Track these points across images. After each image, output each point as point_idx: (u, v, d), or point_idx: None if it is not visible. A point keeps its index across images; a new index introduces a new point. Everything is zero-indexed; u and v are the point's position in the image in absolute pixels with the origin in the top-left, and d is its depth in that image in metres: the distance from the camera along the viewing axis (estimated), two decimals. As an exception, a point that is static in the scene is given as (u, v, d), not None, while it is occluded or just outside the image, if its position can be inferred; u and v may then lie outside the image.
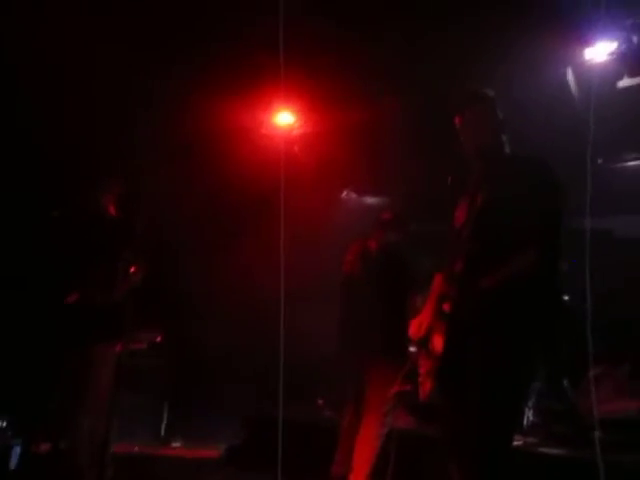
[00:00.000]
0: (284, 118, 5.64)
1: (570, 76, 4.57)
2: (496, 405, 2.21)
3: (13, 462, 3.98)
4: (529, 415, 4.10)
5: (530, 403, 4.11)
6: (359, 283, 3.72)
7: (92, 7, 4.15)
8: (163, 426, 5.28)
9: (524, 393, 2.63)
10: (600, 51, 4.46)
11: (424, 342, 2.41)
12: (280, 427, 3.05)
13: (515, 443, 3.75)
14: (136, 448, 4.88)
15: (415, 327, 2.47)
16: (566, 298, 4.47)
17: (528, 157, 2.51)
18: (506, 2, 4.10)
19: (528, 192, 2.30)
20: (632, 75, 4.42)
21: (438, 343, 2.30)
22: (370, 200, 4.53)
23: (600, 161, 4.50)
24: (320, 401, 4.96)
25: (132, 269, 3.06)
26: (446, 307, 2.32)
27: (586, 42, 4.47)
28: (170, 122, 5.19)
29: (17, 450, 4.00)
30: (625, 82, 4.44)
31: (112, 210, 3.68)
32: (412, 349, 3.80)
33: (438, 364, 2.29)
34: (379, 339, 3.50)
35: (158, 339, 5.41)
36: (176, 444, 5.26)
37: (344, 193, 5.67)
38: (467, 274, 2.31)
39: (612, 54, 4.39)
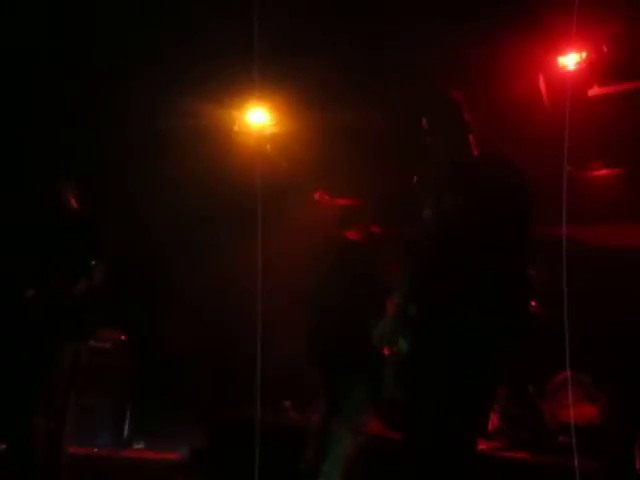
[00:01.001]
0: (257, 116, 5.61)
1: (542, 83, 4.62)
2: (456, 406, 2.20)
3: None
4: (494, 420, 4.13)
5: (496, 408, 4.14)
6: (325, 287, 3.70)
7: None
8: (126, 427, 5.17)
9: (486, 395, 2.62)
10: (572, 60, 4.53)
11: (390, 344, 2.39)
12: (257, 430, 3.01)
13: (480, 447, 3.79)
14: (95, 449, 4.78)
15: (377, 335, 2.45)
16: (532, 303, 4.53)
17: (496, 159, 2.49)
18: (480, 6, 4.12)
19: (495, 193, 2.29)
20: (602, 84, 4.49)
21: (402, 345, 2.28)
22: (343, 202, 4.51)
23: (569, 169, 4.55)
24: (287, 403, 4.93)
25: (94, 264, 2.97)
26: (411, 310, 2.31)
27: (558, 50, 4.54)
28: (144, 118, 5.14)
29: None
30: (595, 91, 4.50)
31: (74, 204, 3.60)
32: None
33: (402, 366, 2.26)
34: (349, 345, 3.47)
35: (123, 338, 5.30)
36: (138, 446, 5.17)
37: (317, 194, 5.65)
38: (431, 277, 2.30)
39: (582, 63, 4.46)
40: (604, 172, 4.94)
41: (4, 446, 4.12)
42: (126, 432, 5.16)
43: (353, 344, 3.40)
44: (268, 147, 5.67)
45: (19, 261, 3.29)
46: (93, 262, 2.91)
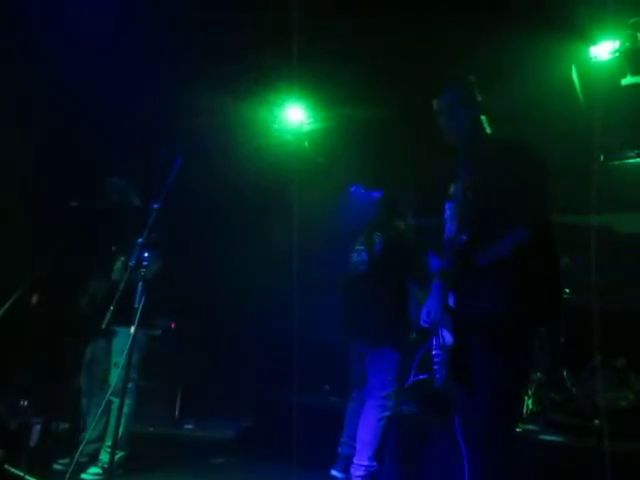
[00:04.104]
0: (295, 114, 5.80)
1: (574, 74, 4.65)
2: (500, 396, 2.29)
3: (34, 439, 4.18)
4: (529, 404, 4.21)
5: (530, 392, 4.22)
6: (363, 272, 3.86)
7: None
8: (177, 409, 5.48)
9: (524, 382, 2.62)
10: (604, 49, 4.55)
11: (435, 332, 2.45)
12: (294, 411, 3.20)
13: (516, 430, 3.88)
14: (151, 428, 5.09)
15: (424, 315, 2.49)
16: (567, 291, 4.59)
17: (509, 140, 2.47)
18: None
19: (512, 174, 2.28)
20: (635, 73, 4.49)
21: (448, 337, 2.37)
22: (377, 194, 4.64)
23: (602, 158, 4.58)
24: (327, 387, 5.11)
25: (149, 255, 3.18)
26: (450, 302, 2.37)
27: (591, 40, 4.55)
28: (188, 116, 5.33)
29: (37, 428, 4.19)
30: (628, 80, 4.50)
31: (135, 201, 3.89)
32: (414, 336, 3.96)
33: (450, 357, 2.36)
34: (378, 325, 3.64)
35: (172, 326, 5.60)
36: (188, 426, 5.47)
37: (352, 187, 5.81)
38: (460, 265, 2.36)
39: (616, 52, 4.47)
40: (637, 160, 4.92)
41: (67, 425, 4.47)
42: (177, 413, 5.47)
43: (386, 325, 3.57)
44: (306, 143, 5.86)
45: (85, 254, 3.58)
46: (147, 254, 3.10)
